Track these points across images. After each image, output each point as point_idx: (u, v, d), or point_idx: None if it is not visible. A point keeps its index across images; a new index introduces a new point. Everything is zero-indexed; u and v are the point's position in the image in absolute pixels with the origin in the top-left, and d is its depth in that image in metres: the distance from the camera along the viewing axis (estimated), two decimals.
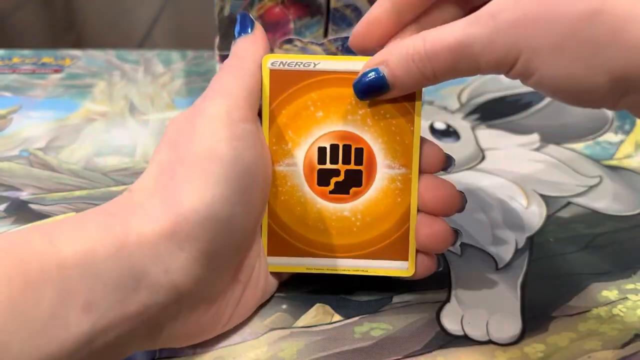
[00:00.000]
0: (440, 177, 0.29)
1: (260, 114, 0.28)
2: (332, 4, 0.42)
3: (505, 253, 0.34)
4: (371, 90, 0.26)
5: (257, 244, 0.28)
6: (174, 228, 0.23)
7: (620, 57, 0.20)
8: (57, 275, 0.21)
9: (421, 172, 0.28)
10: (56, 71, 0.54)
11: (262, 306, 0.30)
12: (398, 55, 0.24)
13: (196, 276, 0.24)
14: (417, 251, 0.29)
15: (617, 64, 0.20)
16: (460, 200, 0.28)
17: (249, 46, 0.27)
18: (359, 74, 0.26)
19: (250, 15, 0.28)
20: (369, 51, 0.27)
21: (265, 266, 0.29)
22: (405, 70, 0.24)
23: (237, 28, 0.28)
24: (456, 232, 0.29)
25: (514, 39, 0.22)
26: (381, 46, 0.27)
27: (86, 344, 0.21)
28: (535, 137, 0.46)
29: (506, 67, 0.22)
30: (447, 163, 0.29)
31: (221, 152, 0.24)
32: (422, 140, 0.28)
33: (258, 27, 0.28)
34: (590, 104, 0.22)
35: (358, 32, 0.27)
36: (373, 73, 0.25)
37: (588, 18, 0.20)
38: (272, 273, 0.30)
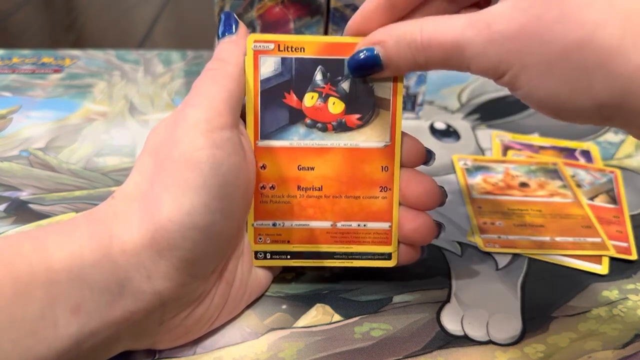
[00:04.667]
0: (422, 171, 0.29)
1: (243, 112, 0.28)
2: (332, 4, 0.42)
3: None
4: (365, 68, 0.26)
5: (241, 243, 0.28)
6: (154, 236, 0.23)
7: (606, 85, 0.20)
8: (46, 279, 0.21)
9: (402, 166, 0.28)
10: (56, 71, 0.54)
11: (262, 306, 0.30)
12: (395, 38, 0.25)
13: (178, 283, 0.24)
14: (400, 243, 0.29)
15: (602, 91, 0.20)
16: (441, 194, 0.28)
17: (232, 48, 0.27)
18: (354, 51, 0.26)
19: (235, 15, 0.28)
20: None
21: (249, 263, 0.29)
22: (401, 53, 0.25)
23: (220, 28, 0.27)
24: (439, 225, 0.29)
25: (506, 52, 0.22)
26: None
27: (74, 346, 0.21)
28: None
29: (494, 75, 0.23)
30: (428, 157, 0.29)
31: (200, 161, 0.23)
32: (403, 134, 0.28)
33: (242, 27, 0.28)
34: (575, 121, 0.23)
35: (354, 23, 0.27)
36: (368, 52, 0.26)
37: (578, 46, 0.20)
38: (263, 269, 0.30)
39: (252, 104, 0.28)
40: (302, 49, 0.27)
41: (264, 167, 0.28)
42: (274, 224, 0.29)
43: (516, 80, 0.22)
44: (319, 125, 0.28)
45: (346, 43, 0.27)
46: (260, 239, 0.29)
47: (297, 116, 0.28)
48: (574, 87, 0.21)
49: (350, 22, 0.27)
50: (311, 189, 0.28)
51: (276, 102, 0.28)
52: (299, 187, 0.28)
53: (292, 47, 0.27)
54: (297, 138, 0.28)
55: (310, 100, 0.28)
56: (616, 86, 0.20)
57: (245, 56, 0.27)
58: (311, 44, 0.27)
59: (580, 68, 0.21)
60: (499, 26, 0.22)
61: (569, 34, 0.20)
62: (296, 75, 0.28)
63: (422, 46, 0.24)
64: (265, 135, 0.28)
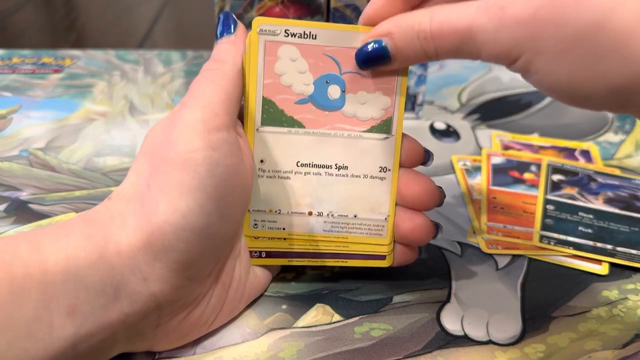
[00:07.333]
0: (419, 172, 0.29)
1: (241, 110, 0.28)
2: (332, 4, 0.42)
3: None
4: (373, 60, 0.26)
5: (237, 245, 0.28)
6: (149, 239, 0.23)
7: (622, 69, 0.20)
8: (42, 280, 0.21)
9: (400, 166, 0.28)
10: (56, 71, 0.54)
11: (262, 306, 0.30)
12: (404, 29, 0.24)
13: (174, 285, 0.24)
14: (397, 243, 0.29)
15: (618, 75, 0.20)
16: (439, 194, 0.28)
17: (230, 49, 0.27)
18: (362, 44, 0.26)
19: (233, 15, 0.27)
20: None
21: (246, 264, 0.29)
22: (409, 44, 0.24)
23: (218, 28, 0.27)
24: (436, 226, 0.29)
25: (519, 37, 0.21)
26: None
27: (70, 348, 0.21)
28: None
29: (507, 61, 0.22)
30: (426, 157, 0.29)
31: (196, 162, 0.23)
32: (402, 134, 0.28)
33: (240, 27, 0.27)
34: (589, 107, 0.22)
35: (366, 14, 0.26)
36: (376, 44, 0.25)
37: (592, 29, 0.20)
38: (262, 269, 0.30)
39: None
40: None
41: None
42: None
43: (530, 66, 0.22)
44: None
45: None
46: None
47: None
48: (589, 71, 0.20)
49: (363, 13, 0.26)
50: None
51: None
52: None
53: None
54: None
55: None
56: (632, 71, 0.20)
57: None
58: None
59: (595, 52, 0.20)
60: (512, 10, 0.21)
61: (582, 16, 0.20)
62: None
63: (431, 36, 0.23)
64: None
